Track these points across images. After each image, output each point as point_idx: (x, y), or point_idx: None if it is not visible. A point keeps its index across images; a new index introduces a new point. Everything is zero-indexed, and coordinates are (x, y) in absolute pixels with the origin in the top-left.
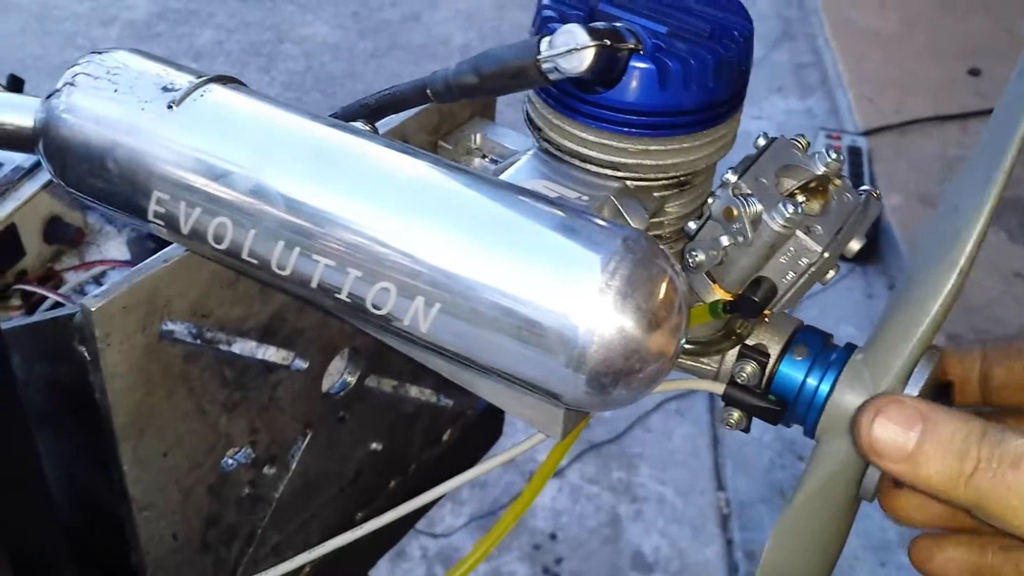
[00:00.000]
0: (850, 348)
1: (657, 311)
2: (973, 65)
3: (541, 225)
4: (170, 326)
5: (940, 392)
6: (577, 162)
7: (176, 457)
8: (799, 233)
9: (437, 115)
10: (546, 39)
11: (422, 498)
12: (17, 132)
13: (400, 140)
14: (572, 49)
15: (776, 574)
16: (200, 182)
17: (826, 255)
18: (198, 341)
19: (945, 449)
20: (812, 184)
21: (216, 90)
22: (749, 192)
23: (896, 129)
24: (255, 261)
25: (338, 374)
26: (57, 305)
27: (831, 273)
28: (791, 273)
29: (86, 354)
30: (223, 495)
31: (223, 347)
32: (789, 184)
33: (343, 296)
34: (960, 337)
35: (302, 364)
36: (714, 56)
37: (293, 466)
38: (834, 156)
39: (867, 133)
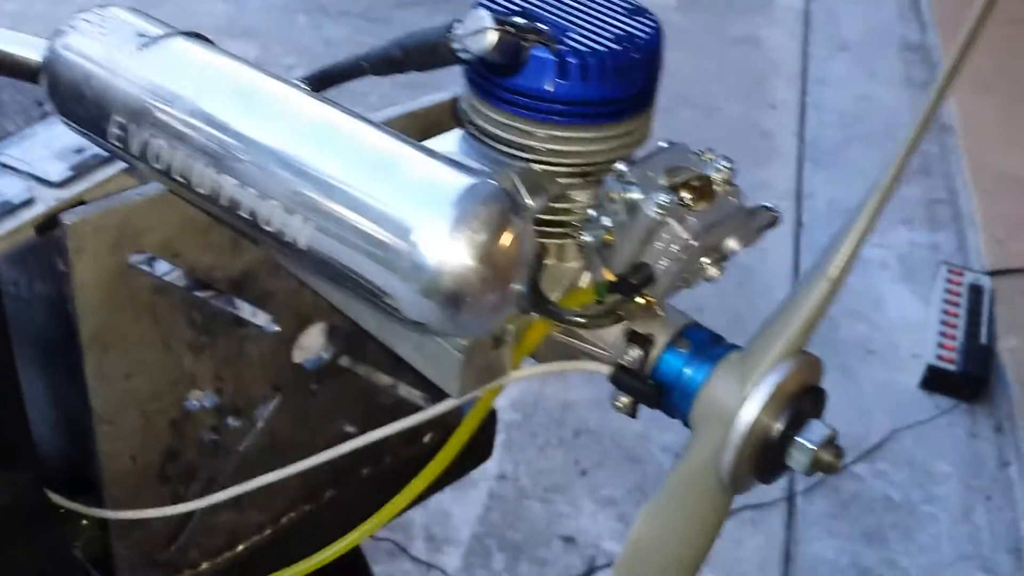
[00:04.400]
0: (733, 347)
1: (493, 248)
2: None
3: (409, 165)
4: (140, 257)
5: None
6: (490, 142)
7: (138, 382)
8: (671, 221)
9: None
10: (459, 21)
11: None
12: (25, 63)
13: None
14: (478, 31)
15: (642, 554)
16: (144, 107)
17: (695, 243)
18: (166, 278)
19: None
20: (698, 184)
21: (179, 41)
22: (633, 181)
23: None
24: (181, 179)
25: (314, 348)
26: None
27: (712, 271)
28: (666, 260)
29: (63, 266)
30: (184, 432)
31: (192, 290)
32: (675, 180)
33: (244, 213)
34: None
35: (272, 326)
36: (612, 55)
37: (260, 424)
38: (725, 165)
39: (993, 273)
